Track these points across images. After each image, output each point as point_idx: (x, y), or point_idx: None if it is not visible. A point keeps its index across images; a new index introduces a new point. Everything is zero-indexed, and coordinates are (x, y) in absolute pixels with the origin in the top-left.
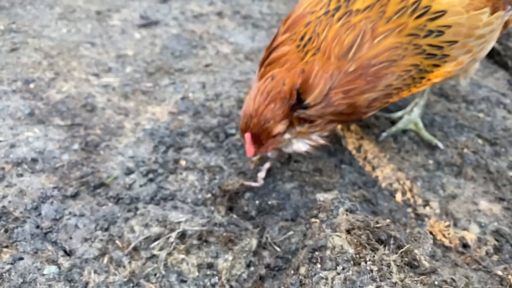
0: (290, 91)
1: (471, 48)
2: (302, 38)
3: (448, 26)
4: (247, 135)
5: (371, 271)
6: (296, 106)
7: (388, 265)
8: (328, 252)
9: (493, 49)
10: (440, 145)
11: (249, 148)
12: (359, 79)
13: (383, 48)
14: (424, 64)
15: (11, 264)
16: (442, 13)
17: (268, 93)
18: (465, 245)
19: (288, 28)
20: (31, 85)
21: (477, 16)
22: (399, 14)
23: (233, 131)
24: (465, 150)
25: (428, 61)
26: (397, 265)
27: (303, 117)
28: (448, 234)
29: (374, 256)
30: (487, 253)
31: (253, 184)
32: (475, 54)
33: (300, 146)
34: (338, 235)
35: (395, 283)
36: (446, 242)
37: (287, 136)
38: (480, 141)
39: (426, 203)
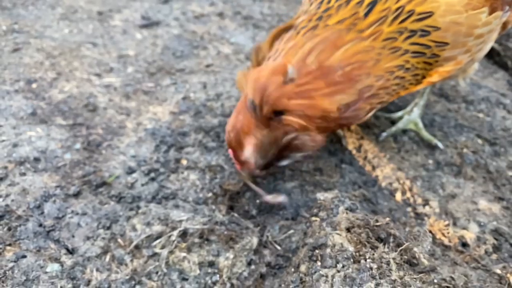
0: (253, 104)
1: (470, 48)
2: (269, 58)
3: (436, 28)
4: (230, 151)
5: (371, 268)
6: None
7: (388, 263)
8: (328, 250)
9: (493, 50)
10: (440, 145)
11: (236, 164)
12: (319, 79)
13: (351, 53)
14: (413, 62)
15: (14, 262)
16: (429, 14)
17: (239, 109)
18: (464, 244)
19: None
20: (33, 85)
21: (475, 15)
22: (376, 24)
23: None
24: (465, 150)
25: (417, 59)
26: (397, 263)
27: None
28: (448, 233)
29: (373, 254)
30: (486, 252)
31: (261, 193)
32: (474, 54)
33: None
34: (338, 233)
35: (395, 280)
36: (446, 241)
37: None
38: (479, 141)
39: (426, 202)
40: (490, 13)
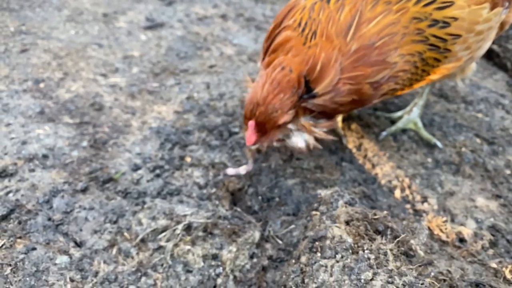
0: (298, 80)
1: (470, 44)
2: (299, 24)
3: (455, 18)
4: (251, 123)
5: (369, 259)
6: (304, 95)
7: (385, 254)
8: (327, 242)
9: (492, 51)
10: (439, 144)
11: (251, 136)
12: (364, 63)
13: (382, 25)
14: (427, 55)
15: (25, 254)
16: (450, 3)
17: (278, 82)
18: (462, 240)
19: (286, 15)
20: (41, 85)
21: (477, 11)
22: (402, 0)
23: (236, 129)
24: (464, 149)
25: (431, 53)
26: (394, 254)
27: (309, 107)
28: (445, 229)
29: (371, 245)
30: (483, 247)
31: (241, 171)
32: (473, 52)
33: (298, 140)
34: (337, 226)
35: (391, 270)
36: (443, 237)
37: (290, 126)
38: (478, 140)
39: (424, 199)
40: (492, 8)
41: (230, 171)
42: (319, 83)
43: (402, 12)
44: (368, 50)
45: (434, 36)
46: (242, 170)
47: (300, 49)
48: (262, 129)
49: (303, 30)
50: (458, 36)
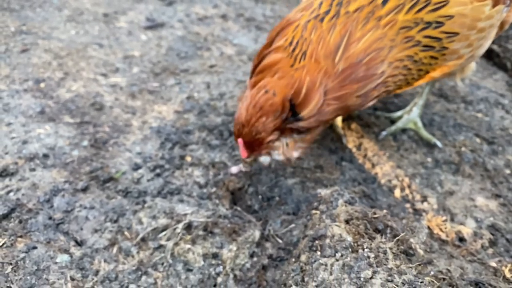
0: (282, 103)
1: (472, 42)
2: (291, 43)
3: (450, 17)
4: (240, 141)
5: (368, 257)
6: (289, 118)
7: (385, 252)
8: (327, 241)
9: (492, 51)
10: (439, 143)
11: (243, 152)
12: (350, 81)
13: (369, 42)
14: (420, 56)
15: (26, 252)
16: (444, 2)
17: (260, 106)
18: (461, 239)
19: (278, 34)
20: (42, 85)
21: (480, 8)
22: (393, 12)
23: None
24: (463, 149)
25: (425, 54)
26: (393, 253)
27: (295, 127)
28: (445, 228)
29: (371, 244)
30: (482, 246)
31: (243, 167)
32: (475, 49)
33: (293, 153)
34: (337, 225)
35: (391, 268)
36: (443, 236)
37: (278, 144)
38: (478, 140)
39: (424, 199)
40: (493, 6)
41: (234, 169)
42: (304, 107)
43: (389, 25)
44: (355, 68)
45: (427, 37)
46: (243, 166)
47: (287, 71)
48: (250, 146)
49: (294, 50)
50: (455, 33)
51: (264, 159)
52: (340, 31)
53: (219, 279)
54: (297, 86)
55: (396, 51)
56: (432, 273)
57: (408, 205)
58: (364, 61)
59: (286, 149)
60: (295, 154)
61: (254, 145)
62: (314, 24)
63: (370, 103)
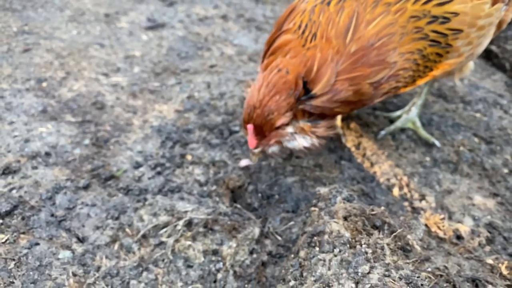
0: (295, 81)
1: (472, 39)
2: (299, 27)
3: (455, 14)
4: (250, 126)
5: (366, 253)
6: (302, 97)
7: (382, 248)
8: (326, 237)
9: (491, 52)
10: (437, 143)
11: (251, 140)
12: (362, 64)
13: (380, 26)
14: (428, 51)
15: (28, 248)
16: None
17: (274, 84)
18: (459, 237)
19: (286, 19)
20: (44, 84)
21: (479, 5)
22: (402, 0)
23: (236, 128)
24: (462, 148)
25: (432, 49)
26: (391, 249)
27: (307, 109)
28: (443, 226)
29: (369, 240)
30: (479, 244)
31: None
32: (474, 47)
33: (303, 141)
34: (335, 221)
35: (388, 264)
36: (441, 234)
37: (289, 130)
38: (476, 139)
39: (422, 197)
40: (492, 4)
41: (243, 162)
42: (316, 83)
43: (400, 12)
44: (367, 51)
45: (435, 31)
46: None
47: (299, 51)
48: (261, 132)
49: (303, 32)
50: (459, 31)
51: (272, 150)
52: (348, 13)
53: (219, 275)
54: (310, 64)
55: (407, 40)
56: (429, 269)
57: (406, 204)
58: (375, 45)
59: (295, 136)
60: (305, 143)
61: (265, 129)
62: (321, 8)
63: (378, 99)
